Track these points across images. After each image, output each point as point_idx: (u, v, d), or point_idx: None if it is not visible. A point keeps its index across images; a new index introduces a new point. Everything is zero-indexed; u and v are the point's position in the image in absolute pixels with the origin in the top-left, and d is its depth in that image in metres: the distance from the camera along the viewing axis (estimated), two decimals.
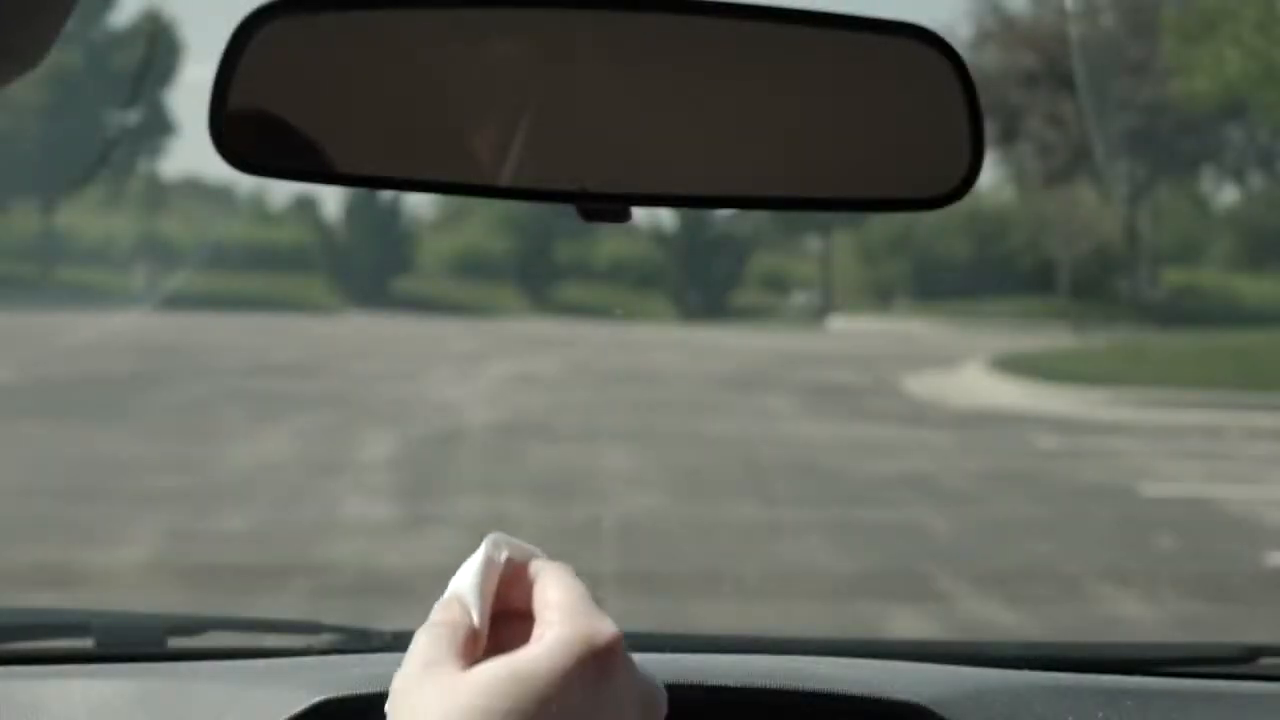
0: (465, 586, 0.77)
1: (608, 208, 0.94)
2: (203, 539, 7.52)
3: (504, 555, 0.78)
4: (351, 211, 44.77)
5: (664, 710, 0.76)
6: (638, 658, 1.10)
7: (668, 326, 30.01)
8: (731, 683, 1.12)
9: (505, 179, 0.92)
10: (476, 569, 0.77)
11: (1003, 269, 40.19)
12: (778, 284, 44.42)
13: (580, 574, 0.78)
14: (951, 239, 42.72)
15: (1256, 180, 43.24)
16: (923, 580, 6.84)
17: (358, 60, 0.91)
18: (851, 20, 0.92)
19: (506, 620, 0.76)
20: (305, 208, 47.20)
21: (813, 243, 45.94)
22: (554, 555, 0.81)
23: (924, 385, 18.71)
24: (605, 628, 0.71)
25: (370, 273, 42.47)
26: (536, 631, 0.72)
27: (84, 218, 43.75)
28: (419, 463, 10.38)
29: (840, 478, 10.21)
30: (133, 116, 42.96)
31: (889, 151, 0.95)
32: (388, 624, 1.60)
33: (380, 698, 1.14)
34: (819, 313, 40.83)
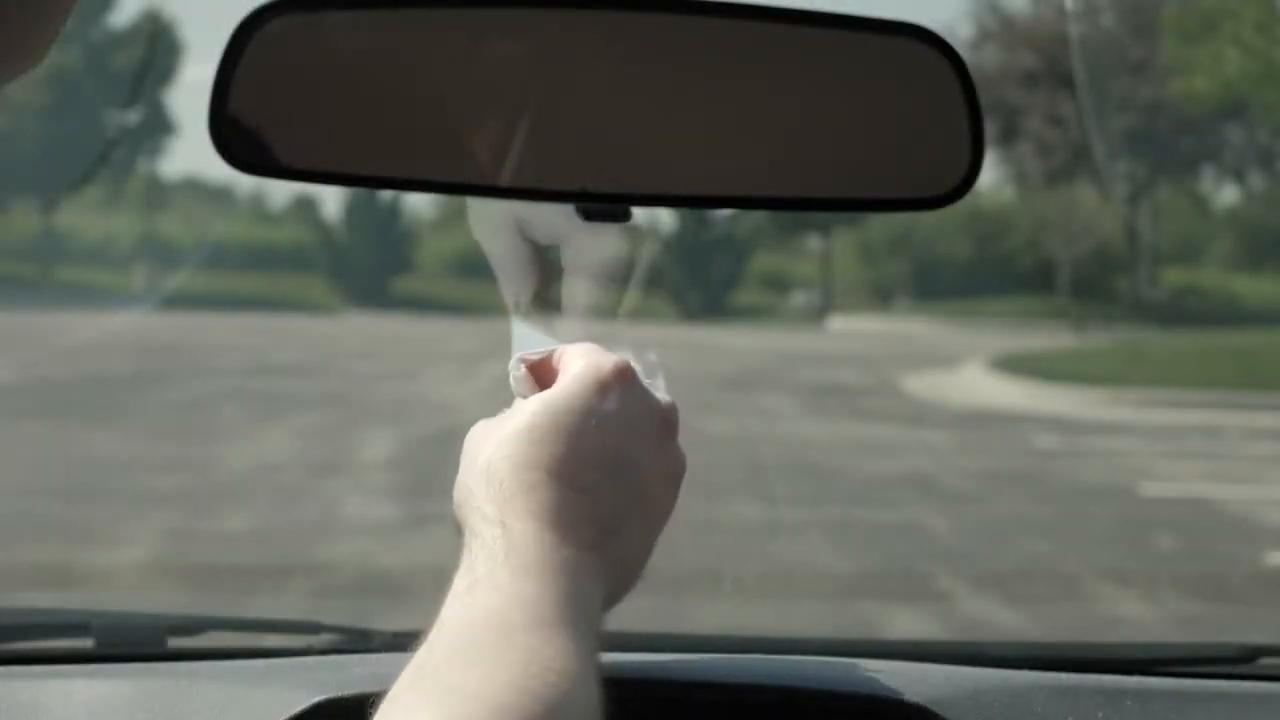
0: (517, 393, 0.91)
1: (608, 208, 0.94)
2: (203, 539, 7.52)
3: (522, 371, 0.91)
4: (351, 211, 44.77)
5: (676, 422, 0.89)
6: (636, 658, 1.10)
7: (668, 326, 30.02)
8: (731, 683, 1.12)
9: (505, 179, 0.92)
10: (517, 387, 0.91)
11: (1003, 269, 40.19)
12: (778, 284, 44.43)
13: None
14: (951, 239, 42.72)
15: (1256, 180, 43.27)
16: (923, 580, 6.84)
17: (358, 60, 0.91)
18: (851, 20, 0.91)
19: None
20: (305, 208, 47.24)
21: (813, 243, 45.95)
22: None
23: (924, 385, 18.72)
24: (611, 359, 0.87)
25: (370, 273, 42.49)
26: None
27: (84, 218, 43.76)
28: (419, 462, 10.38)
29: (840, 477, 10.21)
30: (133, 116, 42.98)
31: (889, 151, 0.95)
32: (387, 624, 1.60)
33: (380, 698, 1.14)
34: (819, 313, 40.84)
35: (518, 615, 0.76)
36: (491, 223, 0.96)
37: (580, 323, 0.93)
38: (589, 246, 0.97)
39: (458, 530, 0.84)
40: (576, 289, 0.97)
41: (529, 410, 0.85)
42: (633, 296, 0.98)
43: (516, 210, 0.96)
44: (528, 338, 0.94)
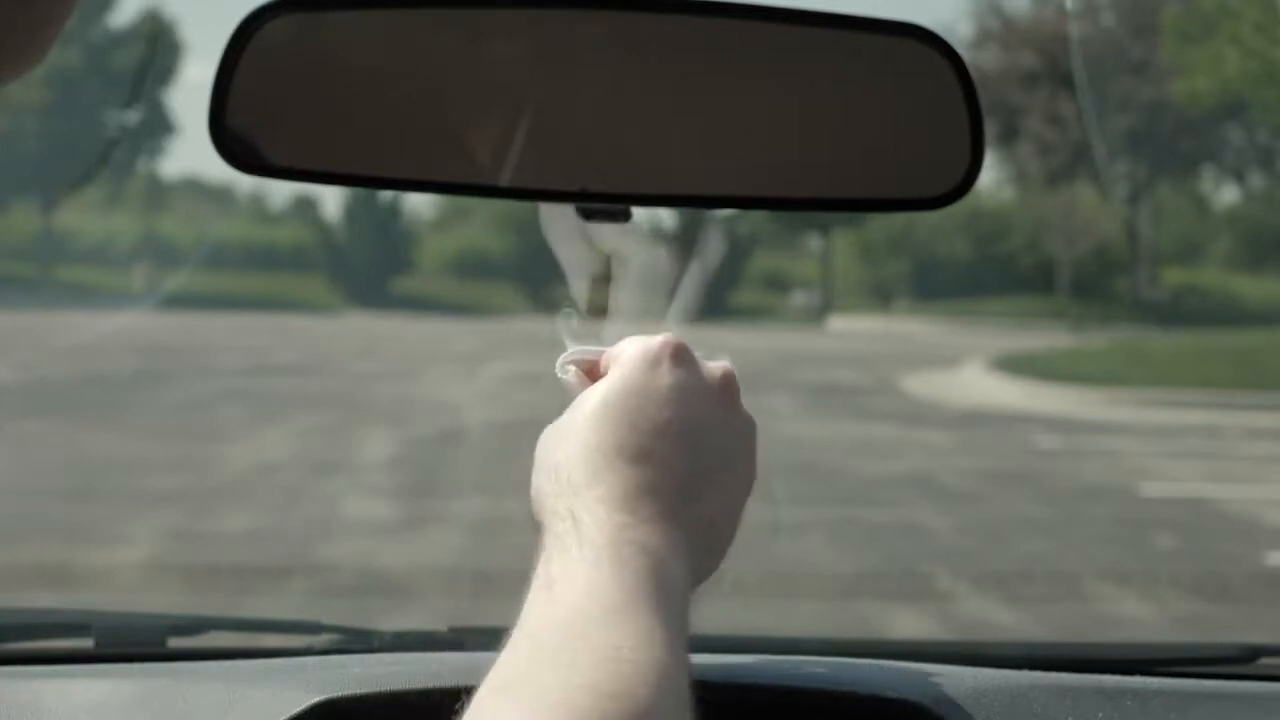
0: (573, 393, 0.91)
1: (608, 208, 0.94)
2: (203, 539, 7.52)
3: (571, 371, 0.92)
4: (351, 211, 44.77)
5: (737, 385, 0.89)
6: None
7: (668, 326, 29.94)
8: (731, 683, 1.12)
9: (505, 179, 0.92)
10: (572, 388, 0.91)
11: (1003, 269, 40.18)
12: (778, 284, 44.43)
13: None
14: (951, 239, 42.71)
15: (1256, 180, 43.25)
16: (923, 580, 6.84)
17: (358, 60, 0.91)
18: (851, 20, 0.91)
19: None
20: (305, 208, 47.25)
21: (813, 243, 45.95)
22: None
23: (924, 385, 18.72)
24: (658, 337, 0.88)
25: (370, 273, 42.49)
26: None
27: (84, 218, 43.74)
28: (419, 462, 10.38)
29: (840, 477, 10.21)
30: (133, 116, 42.95)
31: (889, 151, 0.95)
32: (388, 624, 1.59)
33: (380, 698, 1.14)
34: (819, 312, 40.83)
35: (594, 609, 0.75)
36: (562, 225, 0.96)
37: (628, 330, 0.92)
38: (639, 254, 0.97)
39: (536, 531, 0.83)
40: (626, 297, 0.96)
41: (588, 400, 0.85)
42: (683, 305, 0.98)
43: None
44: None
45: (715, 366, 0.89)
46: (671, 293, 0.97)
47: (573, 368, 0.92)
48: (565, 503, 0.81)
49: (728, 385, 0.89)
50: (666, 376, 0.85)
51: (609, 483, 0.81)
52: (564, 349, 0.93)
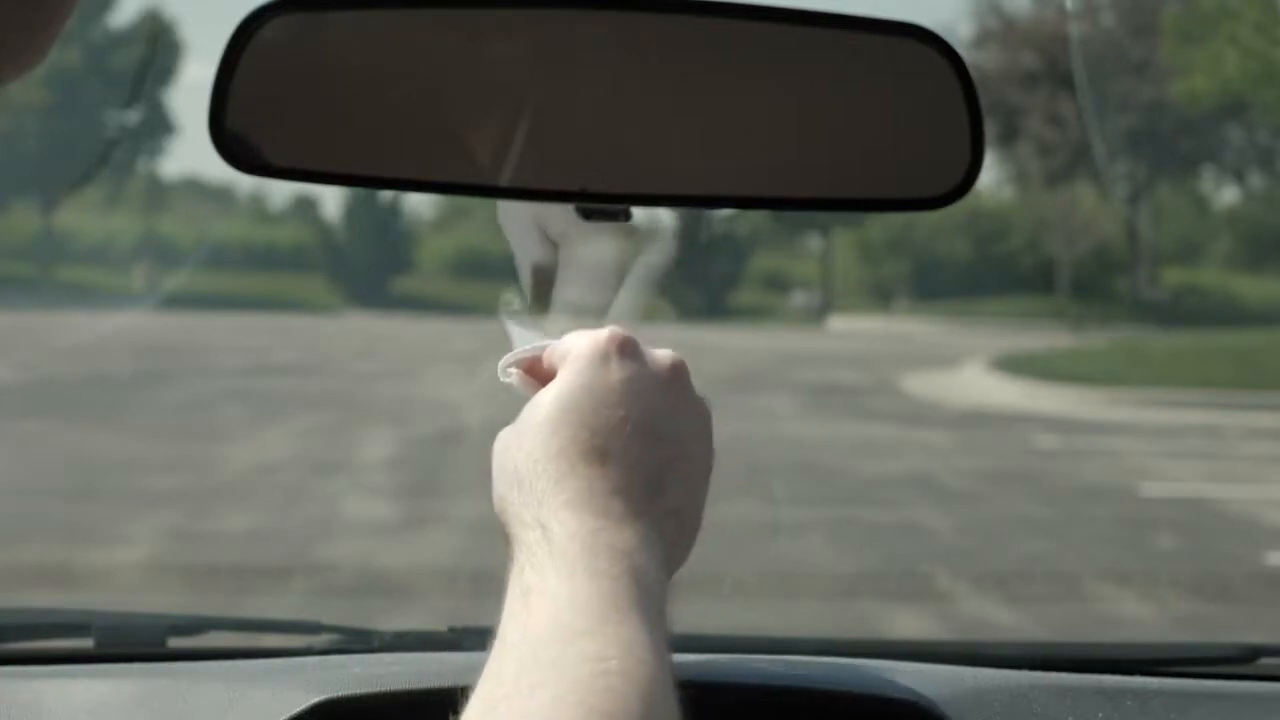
0: (522, 394, 0.91)
1: (608, 208, 0.94)
2: (203, 539, 7.52)
3: (514, 375, 0.92)
4: (351, 211, 44.74)
5: (687, 373, 0.88)
6: None
7: (667, 326, 29.94)
8: (731, 683, 1.12)
9: (505, 179, 0.92)
10: (519, 389, 0.91)
11: (1003, 269, 40.15)
12: (778, 284, 44.40)
13: None
14: (951, 239, 42.69)
15: (1256, 180, 43.23)
16: (923, 580, 6.84)
17: (358, 60, 0.91)
18: (851, 20, 0.91)
19: None
20: (305, 208, 47.24)
21: (813, 243, 45.93)
22: None
23: (924, 385, 18.71)
24: (604, 331, 0.87)
25: (370, 273, 42.47)
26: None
27: (84, 218, 43.72)
28: (419, 462, 10.38)
29: (840, 477, 10.21)
30: (133, 116, 42.94)
31: (889, 151, 0.95)
32: (388, 624, 1.59)
33: (380, 698, 1.14)
34: (819, 312, 40.80)
35: (578, 621, 0.74)
36: (515, 216, 0.96)
37: (574, 323, 0.92)
38: (589, 246, 0.96)
39: (505, 541, 0.83)
40: (573, 289, 0.96)
41: (542, 404, 0.85)
42: (641, 298, 0.98)
43: (535, 206, 0.96)
44: (523, 337, 0.94)
45: (663, 355, 0.88)
46: (618, 286, 0.97)
47: (515, 371, 0.91)
48: (531, 512, 0.81)
49: (678, 374, 0.88)
50: (617, 372, 0.85)
51: (574, 487, 0.81)
52: (511, 343, 0.93)
